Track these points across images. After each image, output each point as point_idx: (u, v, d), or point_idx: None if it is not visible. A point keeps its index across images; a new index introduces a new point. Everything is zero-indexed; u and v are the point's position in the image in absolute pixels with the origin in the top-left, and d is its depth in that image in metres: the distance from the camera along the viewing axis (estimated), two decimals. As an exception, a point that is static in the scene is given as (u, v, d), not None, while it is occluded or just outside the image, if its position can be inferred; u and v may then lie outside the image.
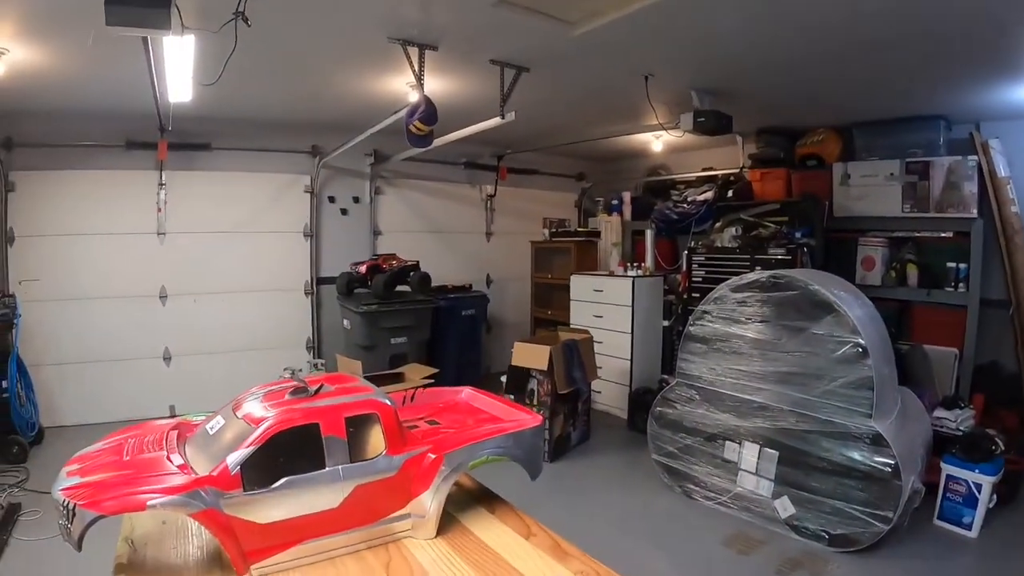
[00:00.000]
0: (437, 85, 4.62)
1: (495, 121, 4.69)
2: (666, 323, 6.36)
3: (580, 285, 6.63)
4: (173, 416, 1.42)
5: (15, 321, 5.02)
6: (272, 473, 1.09)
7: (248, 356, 6.43)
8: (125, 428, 1.29)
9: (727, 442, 4.06)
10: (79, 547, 1.00)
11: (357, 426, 1.18)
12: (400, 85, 4.69)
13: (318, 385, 1.24)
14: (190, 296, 6.23)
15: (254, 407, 1.17)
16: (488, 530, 1.30)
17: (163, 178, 6.00)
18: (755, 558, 3.59)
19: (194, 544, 1.23)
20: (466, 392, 1.62)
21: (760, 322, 3.93)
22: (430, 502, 1.24)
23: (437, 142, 4.82)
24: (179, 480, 1.05)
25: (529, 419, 1.41)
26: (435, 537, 1.25)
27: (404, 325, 6.11)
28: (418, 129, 4.35)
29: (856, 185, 5.65)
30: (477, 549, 1.23)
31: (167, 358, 6.21)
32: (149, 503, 1.00)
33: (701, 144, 6.68)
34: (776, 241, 5.44)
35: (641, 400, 5.63)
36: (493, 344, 7.71)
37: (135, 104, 4.92)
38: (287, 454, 1.11)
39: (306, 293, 6.83)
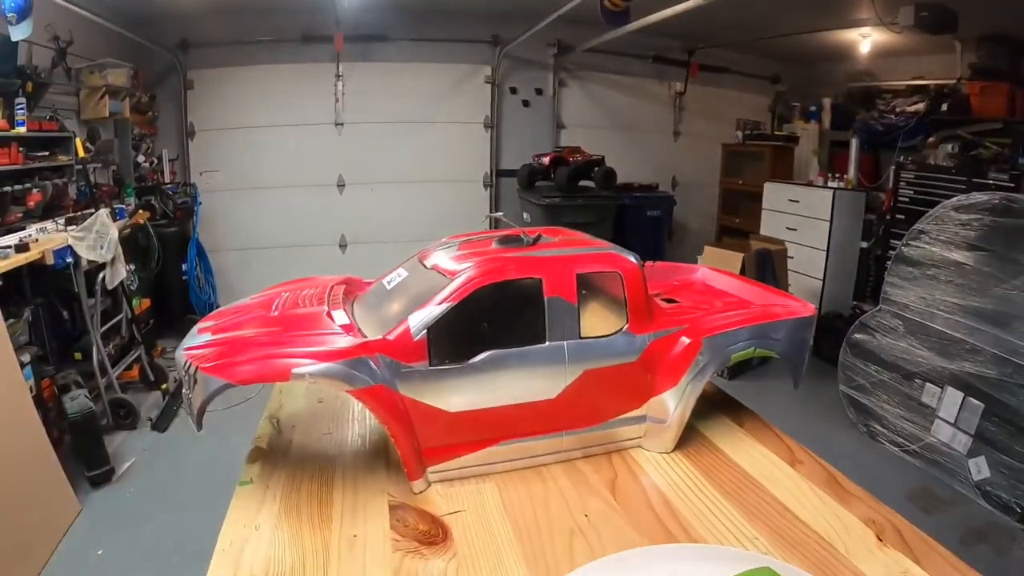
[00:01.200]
0: (631, -38, 4.17)
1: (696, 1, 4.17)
2: (864, 244, 5.81)
3: (774, 193, 6.17)
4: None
5: (195, 208, 5.33)
6: (470, 344, 0.77)
7: (423, 247, 6.30)
8: (284, 283, 1.02)
9: (927, 384, 3.62)
10: (199, 424, 0.72)
11: (588, 290, 0.84)
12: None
13: (536, 235, 0.89)
14: (367, 185, 6.27)
15: (448, 256, 0.85)
16: (741, 450, 0.97)
17: (340, 70, 6.01)
18: (938, 519, 3.23)
19: (354, 431, 0.95)
20: (703, 271, 1.26)
21: (984, 251, 3.44)
22: (675, 403, 0.90)
23: (631, 25, 4.42)
24: (340, 343, 0.75)
25: (799, 307, 1.03)
26: (672, 451, 0.93)
27: (586, 221, 5.77)
28: (613, 4, 4.04)
29: (1094, 110, 4.83)
30: (731, 474, 0.90)
31: (343, 245, 6.34)
32: (295, 371, 0.70)
33: (913, 48, 5.90)
34: (998, 165, 4.77)
35: (830, 325, 5.16)
36: (674, 249, 7.25)
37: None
38: (493, 320, 0.78)
39: (485, 185, 6.70)
